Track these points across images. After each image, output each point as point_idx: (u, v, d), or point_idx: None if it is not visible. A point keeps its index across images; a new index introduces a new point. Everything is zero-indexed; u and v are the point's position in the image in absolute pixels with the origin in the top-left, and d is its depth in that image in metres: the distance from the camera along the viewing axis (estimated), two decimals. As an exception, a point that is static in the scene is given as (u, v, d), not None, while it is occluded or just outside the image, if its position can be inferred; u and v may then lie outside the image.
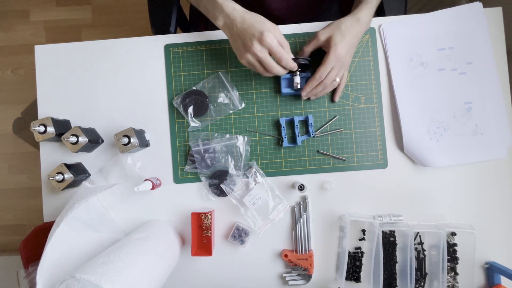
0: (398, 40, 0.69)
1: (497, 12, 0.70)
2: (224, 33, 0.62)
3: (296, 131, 0.68)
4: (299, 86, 0.65)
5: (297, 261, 0.67)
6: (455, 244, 0.68)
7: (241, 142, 0.70)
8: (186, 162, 0.70)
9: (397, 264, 0.67)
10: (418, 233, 0.69)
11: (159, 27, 0.81)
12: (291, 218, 0.70)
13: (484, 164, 0.69)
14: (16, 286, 0.62)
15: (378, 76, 0.70)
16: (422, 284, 0.68)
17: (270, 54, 0.58)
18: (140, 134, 0.66)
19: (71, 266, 0.55)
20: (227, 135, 0.70)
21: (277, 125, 0.70)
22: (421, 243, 0.68)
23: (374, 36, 0.70)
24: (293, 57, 0.61)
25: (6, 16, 1.62)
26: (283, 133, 0.69)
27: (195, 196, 0.70)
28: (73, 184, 0.67)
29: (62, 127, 0.66)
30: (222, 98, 0.70)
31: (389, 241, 0.68)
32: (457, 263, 0.68)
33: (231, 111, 0.70)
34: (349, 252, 0.69)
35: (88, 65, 0.72)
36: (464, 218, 0.69)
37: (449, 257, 0.67)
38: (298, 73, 0.64)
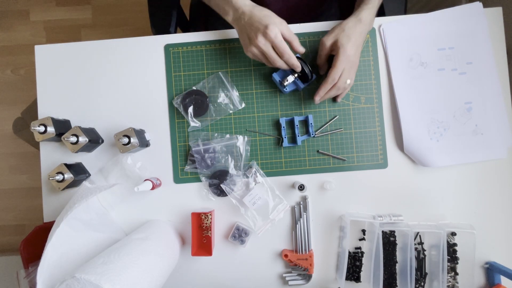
0: (398, 40, 0.69)
1: (497, 12, 0.70)
2: (234, 27, 0.63)
3: (296, 131, 0.68)
4: (286, 88, 0.65)
5: (297, 261, 0.67)
6: (455, 244, 0.68)
7: (241, 142, 0.70)
8: (186, 162, 0.70)
9: (397, 264, 0.67)
10: (418, 233, 0.69)
11: (159, 27, 0.81)
12: (291, 218, 0.70)
13: (484, 164, 0.69)
14: (16, 286, 0.62)
15: (378, 76, 0.70)
16: (422, 284, 0.68)
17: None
18: (140, 134, 0.66)
19: (71, 266, 0.55)
20: (227, 135, 0.70)
21: (277, 125, 0.70)
22: (421, 243, 0.68)
23: (374, 36, 0.70)
24: (298, 55, 0.61)
25: (6, 16, 1.62)
26: (283, 133, 0.69)
27: (195, 196, 0.70)
28: (73, 184, 0.67)
29: (62, 127, 0.66)
30: (222, 98, 0.70)
31: (389, 241, 0.68)
32: (457, 263, 0.68)
33: (231, 111, 0.70)
34: (349, 252, 0.69)
35: (88, 65, 0.72)
36: (464, 218, 0.69)
37: (449, 257, 0.67)
38: (296, 74, 0.64)
